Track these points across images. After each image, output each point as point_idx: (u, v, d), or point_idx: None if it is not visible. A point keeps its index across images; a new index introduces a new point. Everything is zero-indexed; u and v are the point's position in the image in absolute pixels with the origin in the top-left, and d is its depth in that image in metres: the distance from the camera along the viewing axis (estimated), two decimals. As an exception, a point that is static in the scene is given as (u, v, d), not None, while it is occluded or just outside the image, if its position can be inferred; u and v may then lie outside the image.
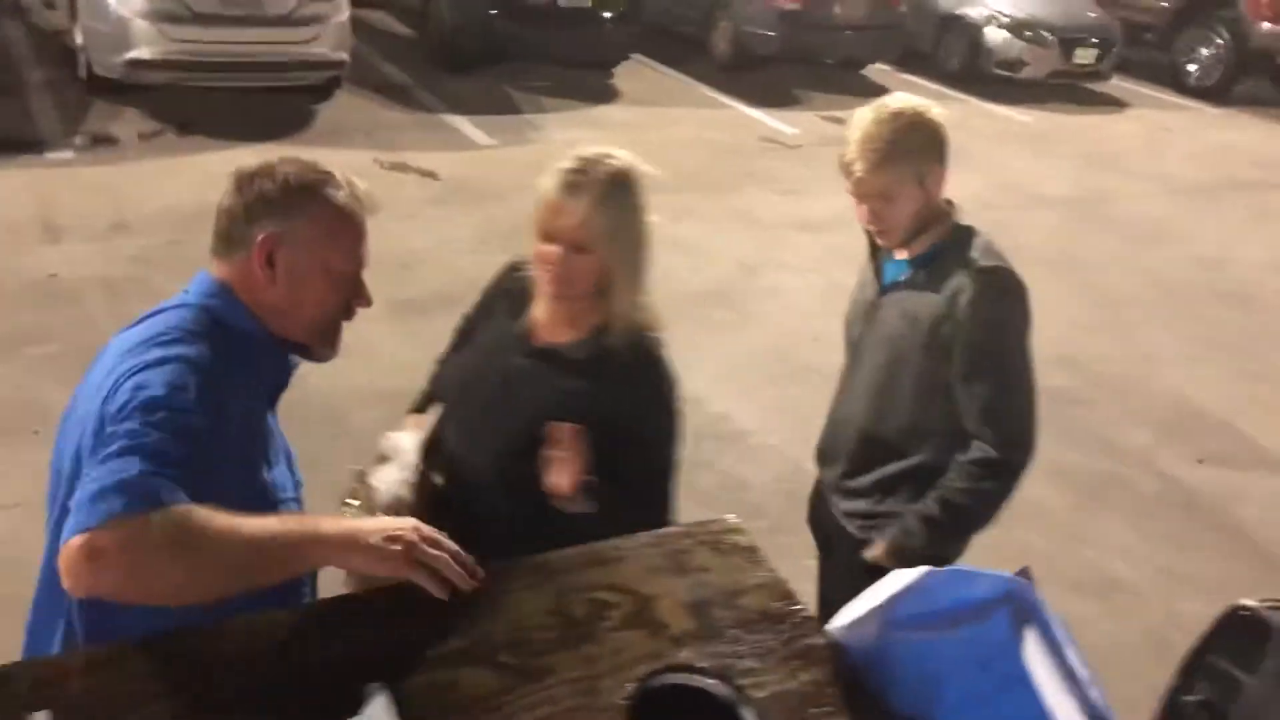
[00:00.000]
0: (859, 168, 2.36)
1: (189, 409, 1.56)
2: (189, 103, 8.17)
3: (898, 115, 2.36)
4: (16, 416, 4.44)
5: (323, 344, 1.86)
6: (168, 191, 6.86)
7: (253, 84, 8.24)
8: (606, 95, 10.23)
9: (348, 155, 7.82)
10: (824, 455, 2.90)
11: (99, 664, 1.46)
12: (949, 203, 2.51)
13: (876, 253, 2.60)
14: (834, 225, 7.66)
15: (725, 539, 1.79)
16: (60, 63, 8.69)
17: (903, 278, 2.51)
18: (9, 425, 4.40)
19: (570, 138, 8.82)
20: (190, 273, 6.60)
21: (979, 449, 2.41)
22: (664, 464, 2.16)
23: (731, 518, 1.83)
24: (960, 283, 2.37)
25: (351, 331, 5.92)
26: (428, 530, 1.59)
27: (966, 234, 2.47)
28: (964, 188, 2.81)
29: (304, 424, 4.64)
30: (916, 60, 12.36)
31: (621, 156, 2.12)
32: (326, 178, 1.77)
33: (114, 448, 1.47)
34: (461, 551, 1.61)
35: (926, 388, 2.47)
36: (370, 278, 6.05)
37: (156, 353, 1.62)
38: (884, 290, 2.57)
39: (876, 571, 2.49)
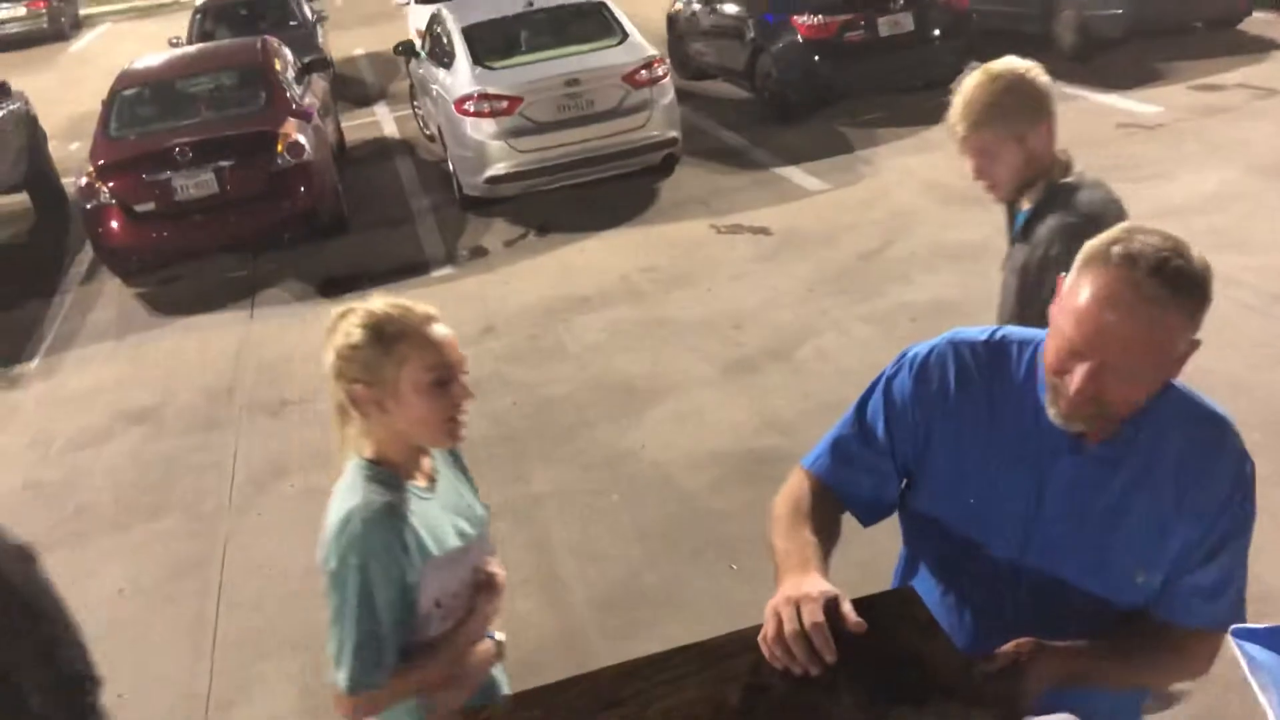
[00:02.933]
0: (960, 127, 2.58)
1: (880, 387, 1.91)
2: (546, 205, 8.91)
3: (996, 78, 2.54)
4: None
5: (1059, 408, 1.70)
6: (528, 290, 7.51)
7: (597, 176, 8.83)
8: (941, 113, 9.80)
9: (687, 226, 8.18)
10: None
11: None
12: (1062, 158, 2.61)
13: (1011, 205, 2.76)
14: (1205, 206, 6.96)
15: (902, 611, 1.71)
16: (441, 188, 9.80)
17: (1018, 230, 2.69)
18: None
19: (903, 164, 8.67)
20: (541, 362, 7.19)
21: None
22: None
23: (908, 588, 1.74)
24: (1045, 235, 2.52)
25: (684, 397, 6.11)
26: (803, 604, 1.59)
27: (1068, 189, 2.57)
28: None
29: (640, 493, 4.94)
30: (1307, -1, 10.92)
31: None
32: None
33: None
34: (814, 629, 1.57)
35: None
36: (705, 339, 6.30)
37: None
38: (1012, 241, 2.76)
39: None
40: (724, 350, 6.06)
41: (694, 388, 5.75)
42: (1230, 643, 2.29)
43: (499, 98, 8.52)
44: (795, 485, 1.93)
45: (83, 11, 27.81)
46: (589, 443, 5.40)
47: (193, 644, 4.39)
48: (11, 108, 10.62)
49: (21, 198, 10.80)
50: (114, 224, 8.09)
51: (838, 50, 9.85)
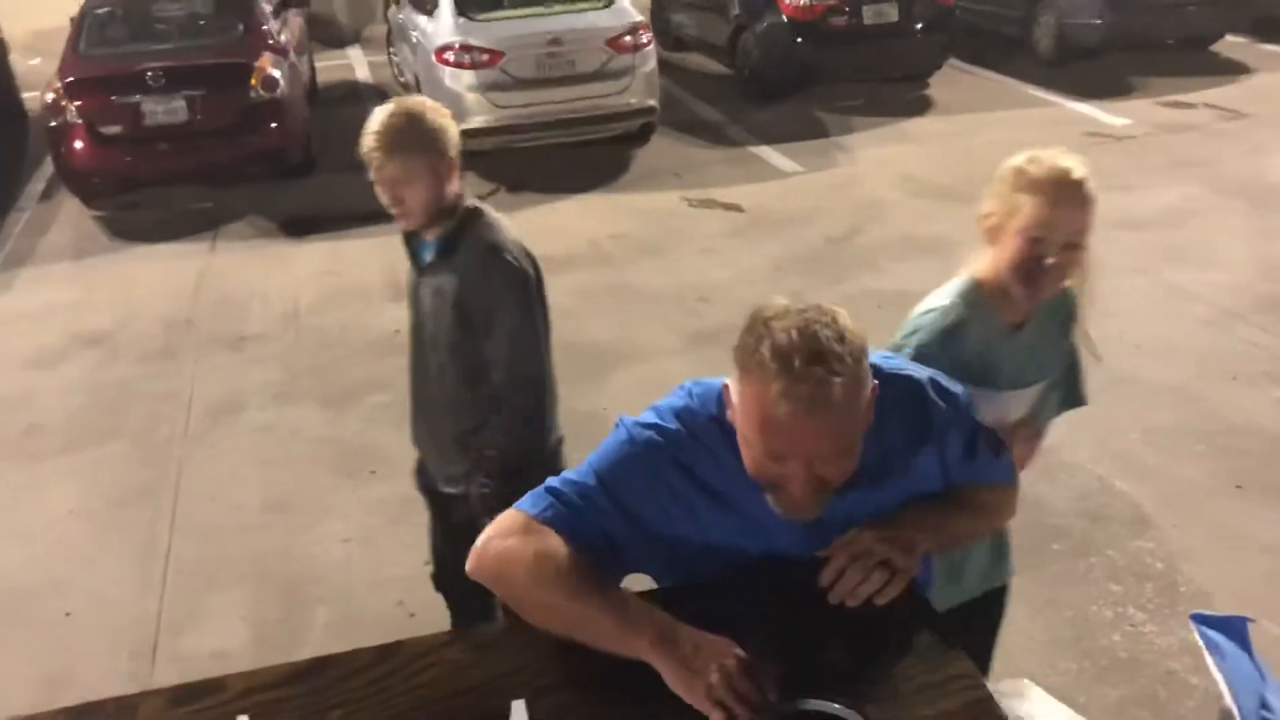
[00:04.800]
0: (377, 156, 2.66)
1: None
2: (519, 163, 8.86)
3: (410, 113, 2.67)
4: (356, 459, 5.04)
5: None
6: (496, 246, 7.48)
7: (573, 139, 8.81)
8: (918, 107, 10.03)
9: (658, 196, 8.21)
10: (416, 438, 3.18)
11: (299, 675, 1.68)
12: (461, 194, 2.80)
13: (411, 237, 2.87)
14: (1164, 220, 7.11)
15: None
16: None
17: (431, 259, 2.84)
18: (350, 467, 4.99)
19: (878, 154, 8.75)
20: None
21: (496, 388, 2.81)
22: None
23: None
24: (469, 260, 2.75)
25: (648, 364, 6.10)
26: (733, 662, 1.52)
27: (476, 215, 2.80)
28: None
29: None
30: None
31: None
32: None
33: None
34: (755, 692, 1.51)
35: (463, 356, 2.84)
36: (671, 309, 6.31)
37: None
38: (421, 271, 2.89)
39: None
40: (689, 321, 6.11)
41: (658, 356, 5.79)
42: (1191, 628, 2.38)
43: (480, 50, 8.46)
44: (531, 538, 1.72)
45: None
46: (551, 401, 5.42)
47: (143, 569, 4.37)
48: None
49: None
50: (78, 144, 7.93)
51: (821, 34, 9.91)
